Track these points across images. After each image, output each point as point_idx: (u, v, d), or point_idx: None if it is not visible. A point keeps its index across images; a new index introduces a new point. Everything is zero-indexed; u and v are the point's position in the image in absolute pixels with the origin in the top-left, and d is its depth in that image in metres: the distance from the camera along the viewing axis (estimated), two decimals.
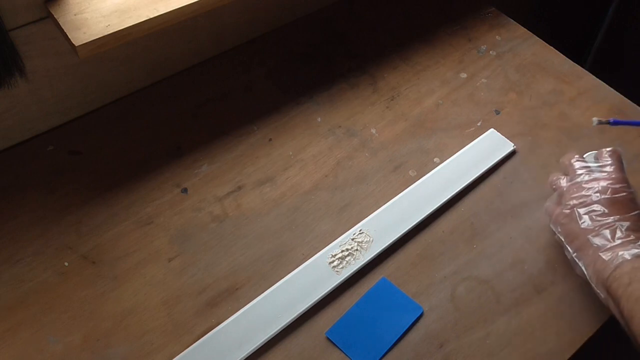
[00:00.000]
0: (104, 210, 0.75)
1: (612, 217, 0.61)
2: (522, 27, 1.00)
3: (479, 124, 0.85)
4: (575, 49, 1.63)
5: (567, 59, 0.94)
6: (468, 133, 0.84)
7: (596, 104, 0.88)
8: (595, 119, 0.74)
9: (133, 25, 0.70)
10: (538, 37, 0.98)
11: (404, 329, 0.65)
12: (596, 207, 0.62)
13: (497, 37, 0.98)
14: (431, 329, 0.65)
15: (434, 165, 0.80)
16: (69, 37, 0.68)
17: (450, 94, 0.89)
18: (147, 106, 0.87)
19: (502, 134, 0.83)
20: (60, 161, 0.80)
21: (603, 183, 0.64)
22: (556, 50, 0.96)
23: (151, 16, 0.71)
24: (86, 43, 0.68)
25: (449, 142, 0.83)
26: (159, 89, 0.89)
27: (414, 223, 0.73)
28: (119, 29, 0.70)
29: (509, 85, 0.91)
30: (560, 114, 0.86)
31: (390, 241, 0.71)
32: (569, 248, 0.64)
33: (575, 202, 0.64)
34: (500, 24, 1.00)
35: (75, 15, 0.70)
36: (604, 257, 0.59)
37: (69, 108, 0.83)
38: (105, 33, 0.69)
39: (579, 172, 0.67)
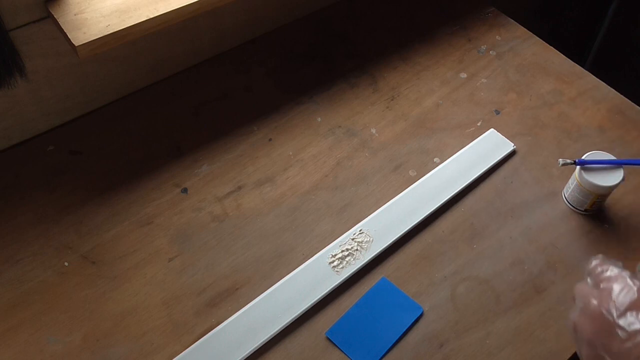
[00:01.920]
0: (104, 210, 0.75)
1: None
2: (522, 27, 1.00)
3: (479, 124, 0.85)
4: (575, 49, 1.63)
5: (567, 59, 0.94)
6: (468, 133, 0.84)
7: (596, 104, 0.88)
8: (560, 160, 0.73)
9: (133, 25, 0.71)
10: (538, 37, 0.98)
11: (404, 329, 0.65)
12: None
13: (497, 37, 0.98)
14: (431, 329, 0.65)
15: (434, 165, 0.80)
16: (69, 37, 0.68)
17: (450, 94, 0.89)
18: (147, 106, 0.87)
19: (502, 134, 0.83)
20: (61, 161, 0.80)
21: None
22: (556, 50, 0.96)
23: (151, 16, 0.71)
24: (86, 43, 0.68)
25: (449, 142, 0.83)
26: (159, 89, 0.89)
27: (414, 223, 0.73)
28: (119, 29, 0.70)
29: (509, 85, 0.91)
30: (560, 114, 0.86)
31: (390, 241, 0.71)
32: None
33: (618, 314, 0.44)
34: (500, 24, 1.00)
35: (75, 15, 0.70)
36: None
37: (69, 108, 0.83)
38: (105, 33, 0.69)
39: (605, 270, 0.47)
